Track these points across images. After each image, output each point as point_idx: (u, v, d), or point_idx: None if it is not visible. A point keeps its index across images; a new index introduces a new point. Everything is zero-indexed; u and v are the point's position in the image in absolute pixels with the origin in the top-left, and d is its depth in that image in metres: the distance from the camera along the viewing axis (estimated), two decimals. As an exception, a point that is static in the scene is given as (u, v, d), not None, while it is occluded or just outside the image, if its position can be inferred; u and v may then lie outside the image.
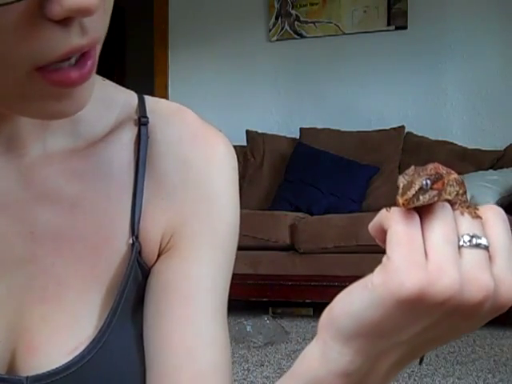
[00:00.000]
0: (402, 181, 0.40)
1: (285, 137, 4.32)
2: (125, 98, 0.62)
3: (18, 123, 0.54)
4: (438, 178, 0.40)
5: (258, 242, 3.50)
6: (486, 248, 0.40)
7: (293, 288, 3.47)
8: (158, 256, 0.60)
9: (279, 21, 4.61)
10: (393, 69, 4.38)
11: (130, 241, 0.58)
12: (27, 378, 0.53)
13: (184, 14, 4.84)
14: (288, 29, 4.60)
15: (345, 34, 4.48)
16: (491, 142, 4.07)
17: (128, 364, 0.57)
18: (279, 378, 0.49)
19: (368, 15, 4.42)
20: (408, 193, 0.39)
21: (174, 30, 4.86)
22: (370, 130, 4.16)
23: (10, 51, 0.41)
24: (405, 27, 4.35)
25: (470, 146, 3.99)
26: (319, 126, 4.25)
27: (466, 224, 0.40)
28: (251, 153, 4.31)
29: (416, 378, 2.45)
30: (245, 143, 4.30)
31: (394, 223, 0.40)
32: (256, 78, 4.65)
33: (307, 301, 3.45)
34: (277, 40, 4.63)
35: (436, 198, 0.40)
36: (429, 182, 0.39)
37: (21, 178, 0.55)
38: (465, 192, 0.42)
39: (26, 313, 0.55)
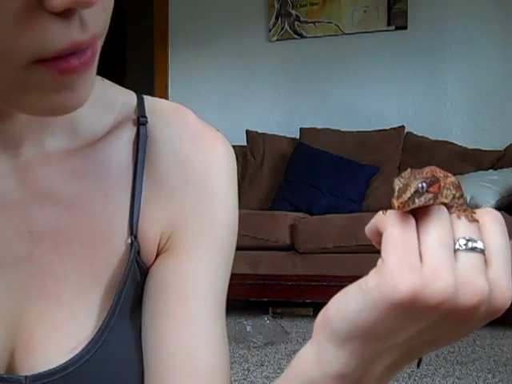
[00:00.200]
0: (397, 183, 0.40)
1: (285, 137, 4.32)
2: (124, 98, 0.62)
3: (16, 123, 0.54)
4: (434, 181, 0.40)
5: (257, 242, 3.50)
6: (482, 252, 0.39)
7: (293, 288, 3.47)
8: (157, 256, 0.60)
9: (279, 21, 4.61)
10: (393, 69, 4.38)
11: (129, 240, 0.58)
12: (26, 377, 0.53)
13: (184, 14, 4.84)
14: (288, 29, 4.60)
15: (345, 34, 4.48)
16: (491, 142, 4.07)
17: (127, 363, 0.57)
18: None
19: (368, 15, 4.42)
20: (403, 196, 0.39)
21: (174, 30, 4.86)
22: (370, 130, 4.16)
23: (9, 42, 0.41)
24: (405, 27, 4.35)
25: (470, 146, 3.99)
26: (319, 126, 4.25)
27: (463, 227, 0.40)
28: (251, 153, 4.30)
29: (416, 378, 2.45)
30: (245, 143, 4.30)
31: (390, 226, 0.40)
32: (256, 78, 4.65)
33: (307, 301, 3.45)
34: (277, 40, 4.63)
35: (432, 201, 0.40)
36: (425, 184, 0.39)
37: (19, 177, 0.55)
38: (462, 195, 0.42)
39: (25, 312, 0.55)
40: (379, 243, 0.41)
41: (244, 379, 2.44)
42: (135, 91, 0.64)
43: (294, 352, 0.48)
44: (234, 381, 2.40)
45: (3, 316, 0.54)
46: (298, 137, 4.27)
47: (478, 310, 0.39)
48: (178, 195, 0.60)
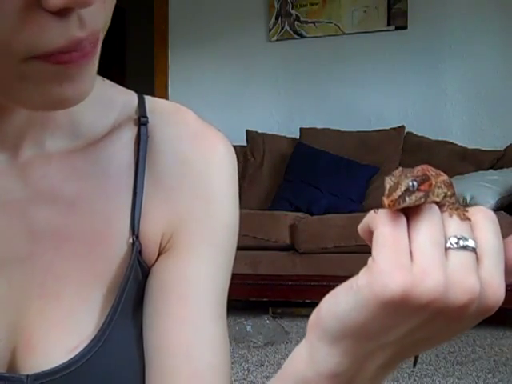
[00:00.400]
0: (388, 182, 0.40)
1: (285, 137, 4.32)
2: (125, 98, 0.62)
3: (17, 122, 0.54)
4: (424, 180, 0.40)
5: (258, 242, 3.50)
6: (474, 250, 0.39)
7: (293, 288, 3.47)
8: (158, 256, 0.60)
9: (279, 21, 4.61)
10: (393, 69, 4.38)
11: (131, 240, 0.58)
12: (28, 376, 0.53)
13: (184, 14, 4.84)
14: (288, 29, 4.60)
15: (345, 34, 4.48)
16: (491, 142, 4.07)
17: (128, 363, 0.57)
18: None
19: (368, 15, 4.42)
20: (394, 194, 0.39)
21: (174, 30, 4.86)
22: (370, 130, 4.16)
23: (7, 40, 0.41)
24: (405, 27, 4.35)
25: (470, 146, 3.99)
26: (319, 126, 4.25)
27: (454, 226, 0.40)
28: (251, 153, 4.30)
29: (416, 378, 2.45)
30: (245, 143, 4.30)
31: (380, 225, 0.40)
32: (256, 78, 4.65)
33: (307, 301, 3.45)
34: (277, 40, 4.63)
35: (423, 200, 0.40)
36: (415, 183, 0.39)
37: (19, 176, 0.55)
38: (453, 194, 0.42)
39: (25, 311, 0.55)
40: (372, 242, 0.41)
41: (244, 379, 2.44)
42: (135, 91, 0.64)
43: (294, 352, 0.48)
44: (234, 381, 2.40)
45: (4, 315, 0.54)
46: (298, 137, 4.27)
47: (469, 309, 0.38)
48: (178, 195, 0.60)
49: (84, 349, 0.54)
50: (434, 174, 0.41)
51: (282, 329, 3.05)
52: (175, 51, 4.86)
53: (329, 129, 4.23)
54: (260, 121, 4.53)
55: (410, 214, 0.40)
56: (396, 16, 4.36)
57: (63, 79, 0.44)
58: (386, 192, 0.39)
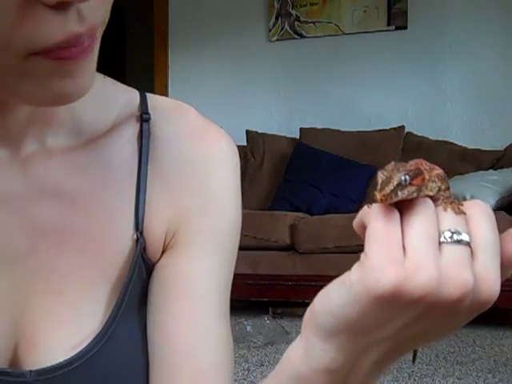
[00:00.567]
0: (380, 176, 0.39)
1: (285, 137, 4.32)
2: (126, 95, 0.62)
3: (18, 118, 0.54)
4: (417, 174, 0.40)
5: (258, 242, 3.50)
6: (468, 244, 0.39)
7: (293, 288, 3.47)
8: (163, 253, 0.60)
9: (279, 21, 4.61)
10: (393, 69, 4.38)
11: (135, 237, 0.58)
12: (31, 371, 0.53)
13: (184, 13, 4.84)
14: (288, 29, 4.60)
15: (345, 34, 4.48)
16: (491, 142, 4.07)
17: (132, 360, 0.57)
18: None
19: (368, 15, 4.42)
20: (386, 188, 0.38)
21: (174, 30, 4.86)
22: (370, 130, 4.16)
23: (6, 35, 0.41)
24: (405, 27, 4.35)
25: (470, 146, 3.99)
26: (319, 126, 4.25)
27: (448, 220, 0.40)
28: (251, 153, 4.31)
29: (416, 378, 2.45)
30: (245, 143, 4.30)
31: (373, 219, 0.39)
32: (256, 78, 4.65)
33: (307, 301, 3.40)
34: (277, 40, 4.63)
35: (416, 194, 0.39)
36: (408, 177, 0.39)
37: (21, 172, 0.55)
38: (448, 188, 0.41)
39: (28, 307, 0.55)
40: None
41: (244, 379, 2.44)
42: (135, 90, 0.64)
43: (295, 352, 0.48)
44: (234, 381, 2.40)
45: (6, 311, 0.54)
46: (298, 137, 4.27)
47: (463, 304, 0.38)
48: (181, 192, 0.60)
49: (87, 345, 0.54)
50: (427, 168, 0.41)
51: (282, 329, 3.05)
52: (175, 51, 4.86)
53: (329, 129, 4.23)
54: (260, 121, 4.53)
55: (403, 208, 0.40)
56: (396, 16, 4.36)
57: (63, 75, 0.44)
58: (379, 186, 0.39)
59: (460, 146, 4.00)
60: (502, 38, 4.19)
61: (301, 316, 0.44)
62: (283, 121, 4.56)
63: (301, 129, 4.28)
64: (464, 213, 0.40)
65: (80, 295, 0.56)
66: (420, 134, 4.07)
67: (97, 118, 0.59)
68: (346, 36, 4.48)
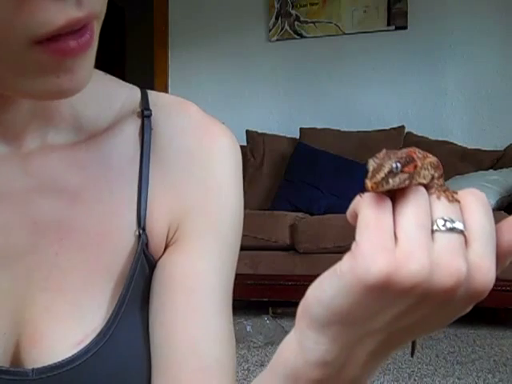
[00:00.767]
0: (371, 164, 0.39)
1: (285, 137, 4.32)
2: (127, 92, 0.62)
3: (19, 114, 0.54)
4: (409, 161, 0.39)
5: (258, 242, 3.50)
6: (462, 232, 0.38)
7: (293, 288, 3.47)
8: (165, 248, 0.60)
9: (279, 21, 4.61)
10: (393, 69, 4.38)
11: (137, 233, 0.57)
12: (33, 370, 0.53)
13: (184, 14, 4.84)
14: (288, 29, 4.59)
15: (345, 34, 4.48)
16: (491, 141, 4.07)
17: (134, 357, 0.57)
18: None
19: (368, 15, 4.42)
20: (377, 176, 0.38)
21: (174, 30, 4.86)
22: (370, 130, 4.16)
23: (6, 24, 0.41)
24: (405, 27, 4.35)
25: (470, 146, 3.99)
26: (319, 126, 4.25)
27: (441, 208, 0.39)
28: (251, 153, 4.31)
29: (416, 378, 2.45)
30: (245, 143, 4.30)
31: (364, 208, 0.39)
32: (256, 78, 4.65)
33: (307, 301, 3.45)
34: (277, 40, 4.62)
35: (408, 182, 0.39)
36: (399, 164, 0.38)
37: (22, 168, 0.55)
38: (441, 175, 0.41)
39: (30, 304, 0.55)
40: None
41: (244, 379, 2.44)
42: (136, 89, 0.64)
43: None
44: (235, 381, 2.40)
45: (8, 308, 0.54)
46: (298, 137, 4.27)
47: (456, 293, 0.37)
48: (183, 188, 0.60)
49: (90, 343, 0.54)
50: (420, 156, 0.40)
51: (281, 329, 3.05)
52: (175, 51, 4.86)
53: (329, 129, 4.23)
54: (260, 121, 4.53)
55: (396, 196, 0.39)
56: (396, 16, 4.36)
57: (60, 71, 0.44)
58: (369, 174, 0.38)
59: (460, 146, 4.00)
60: (502, 38, 4.19)
61: (301, 316, 0.44)
62: (283, 121, 4.56)
63: (301, 129, 4.27)
64: (458, 201, 0.39)
65: (82, 292, 0.56)
66: (420, 134, 4.07)
67: (98, 114, 0.59)
68: (346, 36, 4.48)
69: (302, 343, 0.42)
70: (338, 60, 4.48)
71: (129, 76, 6.52)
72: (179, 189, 0.59)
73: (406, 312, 0.39)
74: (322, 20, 4.52)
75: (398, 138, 4.08)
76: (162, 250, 0.59)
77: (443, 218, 0.38)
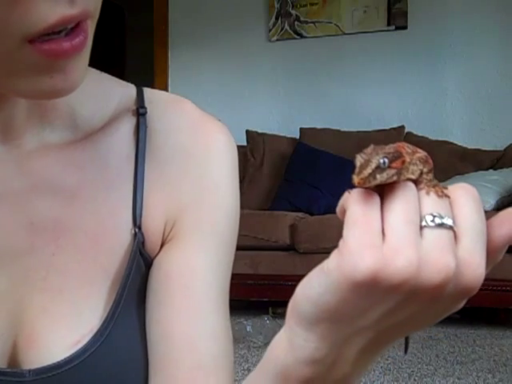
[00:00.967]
0: (359, 159, 0.38)
1: (285, 137, 4.32)
2: (123, 90, 0.62)
3: (14, 113, 0.54)
4: (396, 157, 0.38)
5: (257, 242, 3.50)
6: (451, 228, 0.37)
7: (293, 288, 3.40)
8: (161, 246, 0.60)
9: (279, 21, 4.61)
10: (393, 69, 4.38)
11: (133, 231, 0.57)
12: (30, 371, 0.53)
13: (184, 14, 4.84)
14: (288, 29, 4.59)
15: (345, 34, 4.48)
16: (491, 141, 4.07)
17: (132, 356, 0.57)
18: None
19: (368, 15, 4.42)
20: (364, 172, 0.37)
21: (174, 30, 4.86)
22: (370, 129, 4.16)
23: (1, 21, 0.41)
24: (405, 27, 4.35)
25: (470, 146, 3.99)
26: (319, 126, 4.25)
27: (430, 203, 0.38)
28: (251, 153, 4.31)
29: (416, 378, 2.45)
30: (245, 143, 4.30)
31: (351, 204, 0.38)
32: (256, 78, 4.65)
33: (307, 301, 3.44)
34: (277, 40, 4.62)
35: (395, 178, 0.38)
36: (386, 160, 0.37)
37: (18, 168, 0.55)
38: (430, 170, 0.40)
39: (27, 305, 0.54)
40: None
41: (244, 379, 2.44)
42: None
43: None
44: (234, 381, 2.40)
45: (5, 309, 0.54)
46: (297, 137, 4.27)
47: (444, 289, 0.36)
48: (179, 185, 0.59)
49: (87, 343, 0.54)
50: (409, 151, 0.40)
51: (281, 329, 3.04)
52: (175, 51, 4.86)
53: (329, 129, 4.23)
54: (260, 121, 4.53)
55: (384, 192, 0.38)
56: (396, 16, 4.36)
57: (53, 71, 0.45)
58: (356, 170, 0.37)
59: (460, 146, 4.00)
60: (502, 38, 4.19)
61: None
62: (283, 121, 4.56)
63: (301, 129, 4.28)
64: (448, 196, 0.39)
65: (79, 292, 0.56)
66: (420, 134, 4.07)
67: (94, 112, 0.59)
68: (346, 36, 4.48)
69: (291, 341, 0.42)
70: (338, 60, 4.48)
71: (129, 76, 6.51)
72: (175, 186, 0.59)
73: (394, 309, 0.38)
74: (322, 20, 4.52)
75: (397, 138, 4.07)
76: (158, 247, 0.59)
77: (432, 214, 0.37)
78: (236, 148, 0.64)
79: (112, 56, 6.28)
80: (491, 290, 3.08)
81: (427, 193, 0.39)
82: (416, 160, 0.40)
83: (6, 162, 0.55)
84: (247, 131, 4.33)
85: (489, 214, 0.36)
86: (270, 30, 4.64)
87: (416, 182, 0.39)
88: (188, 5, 4.82)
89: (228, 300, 0.61)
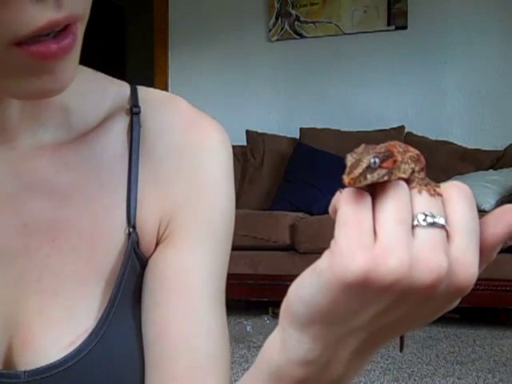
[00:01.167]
0: (349, 159, 0.38)
1: (285, 137, 4.32)
2: (117, 89, 0.62)
3: (8, 114, 0.54)
4: (388, 156, 0.38)
5: (257, 242, 3.49)
6: (443, 227, 0.37)
7: (293, 288, 3.46)
8: (156, 246, 0.59)
9: (279, 21, 4.61)
10: (393, 69, 4.38)
11: (127, 231, 0.57)
12: (25, 372, 0.53)
13: (184, 14, 4.84)
14: (288, 29, 4.59)
15: (345, 33, 4.48)
16: (491, 141, 4.07)
17: (127, 356, 0.57)
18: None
19: (368, 15, 4.42)
20: (354, 171, 0.37)
21: (174, 30, 4.86)
22: (370, 129, 4.16)
23: None
24: (405, 27, 4.35)
25: (470, 146, 3.99)
26: (319, 126, 4.25)
27: (422, 202, 0.38)
28: (251, 153, 4.30)
29: (416, 378, 2.45)
30: (245, 143, 4.30)
31: (342, 204, 0.38)
32: (256, 78, 4.65)
33: (307, 301, 3.44)
34: (277, 40, 4.63)
35: (386, 177, 0.38)
36: (377, 159, 0.37)
37: (12, 169, 0.55)
38: (422, 169, 0.39)
39: (22, 306, 0.54)
40: None
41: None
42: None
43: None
44: (234, 381, 2.40)
45: (0, 311, 0.54)
46: (297, 137, 4.27)
47: (437, 289, 0.36)
48: (173, 184, 0.59)
49: (81, 344, 0.54)
50: (401, 150, 0.39)
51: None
52: (175, 51, 4.86)
53: (329, 129, 4.23)
54: (260, 121, 4.53)
55: (376, 191, 0.38)
56: (396, 16, 4.36)
57: (42, 72, 0.45)
58: (347, 169, 0.37)
59: (460, 146, 4.00)
60: (502, 38, 4.19)
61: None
62: (283, 121, 4.56)
63: (301, 129, 4.28)
64: (440, 195, 0.38)
65: (74, 293, 0.55)
66: (420, 134, 4.07)
67: (88, 112, 0.59)
68: (346, 36, 4.48)
69: (284, 341, 0.42)
70: (338, 60, 4.49)
71: (129, 76, 6.52)
72: (169, 185, 0.59)
73: (386, 310, 0.38)
74: (322, 20, 4.52)
75: (398, 138, 4.07)
76: (153, 247, 0.59)
77: (424, 213, 0.37)
78: (230, 145, 0.63)
79: (112, 56, 6.28)
80: (491, 289, 3.08)
81: (419, 192, 0.38)
82: (407, 159, 0.39)
83: (0, 164, 0.55)
84: (247, 131, 4.33)
85: (487, 214, 0.36)
86: (270, 30, 4.64)
87: (408, 181, 0.39)
88: (188, 5, 4.82)
89: (224, 299, 0.61)
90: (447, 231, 0.37)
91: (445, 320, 3.28)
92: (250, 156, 4.30)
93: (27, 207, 0.55)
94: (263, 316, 3.21)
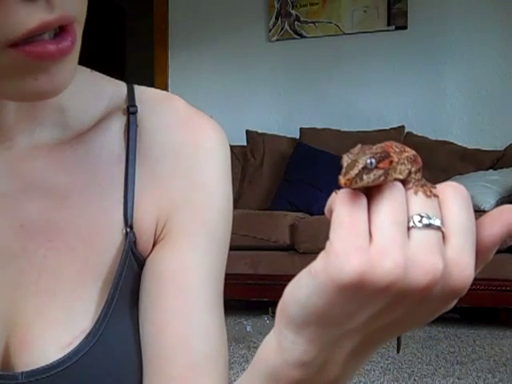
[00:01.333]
0: (345, 160, 0.37)
1: (285, 137, 4.32)
2: (114, 88, 0.62)
3: (4, 114, 0.54)
4: (384, 157, 0.37)
5: (257, 242, 3.49)
6: (439, 228, 0.36)
7: (293, 288, 3.46)
8: (153, 245, 0.59)
9: (279, 21, 4.61)
10: (393, 69, 4.38)
11: (124, 231, 0.57)
12: (22, 373, 0.53)
13: (184, 14, 4.84)
14: (288, 29, 4.59)
15: (345, 33, 4.48)
16: (491, 142, 4.08)
17: (125, 356, 0.57)
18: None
19: (368, 15, 4.42)
20: (350, 172, 0.36)
21: (174, 30, 4.86)
22: (370, 129, 4.16)
23: None
24: (405, 27, 4.35)
25: (470, 146, 4.00)
26: (319, 126, 4.25)
27: (418, 203, 0.37)
28: (251, 153, 4.30)
29: (416, 378, 2.45)
30: (245, 143, 4.30)
31: (337, 205, 0.38)
32: (256, 78, 4.65)
33: (307, 301, 3.44)
34: (277, 40, 4.63)
35: (383, 178, 0.37)
36: (373, 160, 0.37)
37: (8, 170, 0.55)
38: (419, 170, 0.39)
39: (19, 308, 0.54)
40: None
41: (244, 379, 2.44)
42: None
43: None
44: (234, 381, 2.40)
45: None
46: (297, 137, 4.27)
47: (432, 290, 0.36)
48: (170, 183, 0.59)
49: (79, 344, 0.54)
50: (397, 150, 0.39)
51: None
52: (175, 51, 4.86)
53: (329, 129, 4.23)
54: (260, 121, 4.53)
55: (372, 193, 0.38)
56: (396, 16, 4.36)
57: (38, 72, 0.44)
58: (343, 170, 0.37)
59: (460, 146, 4.00)
60: (502, 38, 4.19)
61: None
62: (283, 121, 4.56)
63: (301, 129, 4.28)
64: (436, 196, 0.38)
65: (71, 294, 0.55)
66: (420, 134, 4.07)
67: (84, 112, 0.59)
68: (346, 36, 4.48)
69: (280, 343, 0.42)
70: (338, 60, 4.49)
71: (129, 76, 6.52)
72: (166, 185, 0.59)
73: (382, 311, 0.37)
74: (322, 20, 4.52)
75: (398, 138, 4.07)
76: (151, 247, 0.59)
77: (420, 214, 0.37)
78: (228, 145, 0.63)
79: (112, 56, 6.27)
80: (491, 289, 3.08)
81: (415, 193, 0.38)
82: (404, 159, 0.39)
83: None
84: (247, 131, 4.33)
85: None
86: (270, 30, 4.64)
87: (404, 182, 0.39)
88: (188, 5, 4.82)
89: (222, 298, 0.61)
90: (443, 232, 0.37)
91: (445, 320, 3.29)
92: (249, 156, 4.30)
93: (24, 208, 0.55)
94: (263, 316, 3.21)
